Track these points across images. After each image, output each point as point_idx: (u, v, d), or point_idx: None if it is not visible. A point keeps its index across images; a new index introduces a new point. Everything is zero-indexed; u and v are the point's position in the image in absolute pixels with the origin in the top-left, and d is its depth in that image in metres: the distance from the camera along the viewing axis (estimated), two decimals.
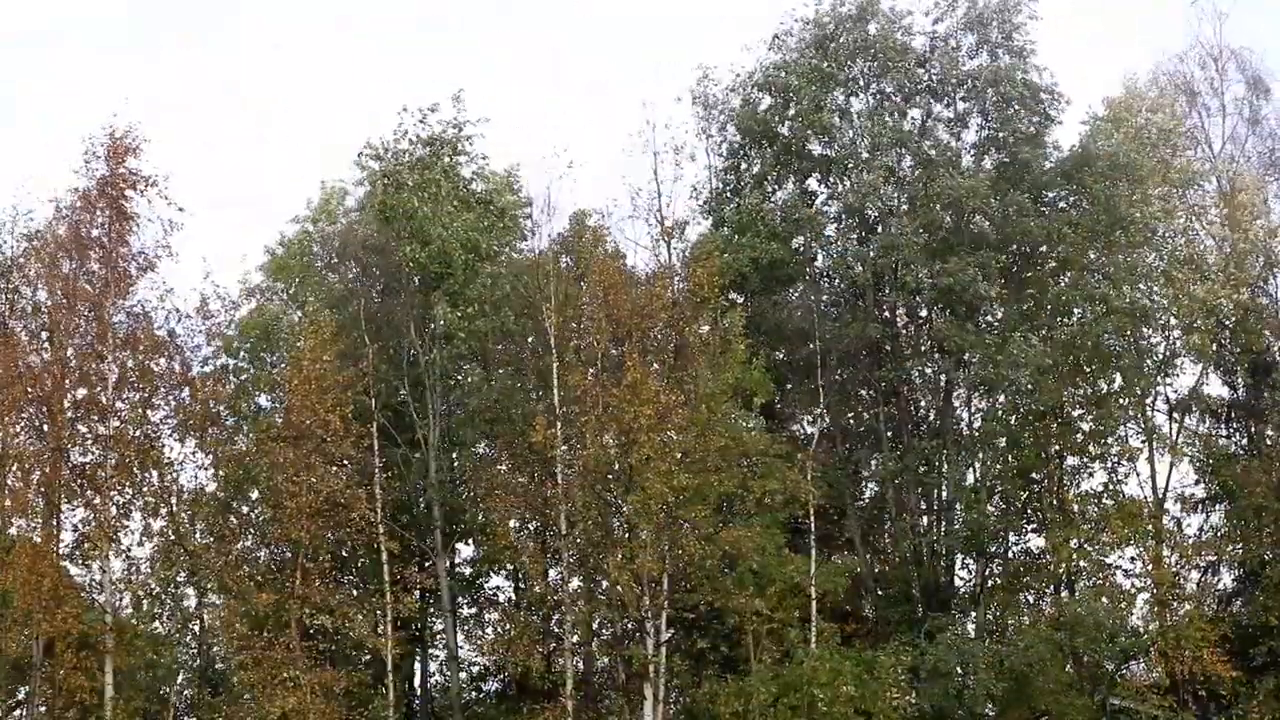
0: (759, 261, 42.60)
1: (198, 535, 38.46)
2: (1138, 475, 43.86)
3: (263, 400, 43.85)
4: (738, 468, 38.45)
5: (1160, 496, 43.98)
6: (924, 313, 44.77)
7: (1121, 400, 43.27)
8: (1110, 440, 43.20)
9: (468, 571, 45.33)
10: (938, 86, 44.68)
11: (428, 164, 43.53)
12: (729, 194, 45.62)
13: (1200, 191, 46.80)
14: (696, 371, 38.34)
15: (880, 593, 43.17)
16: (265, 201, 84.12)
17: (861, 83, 44.77)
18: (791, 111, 44.30)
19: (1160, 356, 44.47)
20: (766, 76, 45.03)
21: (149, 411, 37.72)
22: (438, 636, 44.15)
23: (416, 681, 44.78)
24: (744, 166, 45.76)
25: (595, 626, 39.62)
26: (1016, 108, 43.46)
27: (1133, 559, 42.69)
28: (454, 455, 43.70)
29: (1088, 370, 42.91)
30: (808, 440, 42.32)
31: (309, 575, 36.88)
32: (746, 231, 42.98)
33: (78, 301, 37.08)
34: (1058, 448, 43.37)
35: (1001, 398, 43.50)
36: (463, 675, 43.78)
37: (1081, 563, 42.03)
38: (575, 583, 39.00)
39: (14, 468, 36.36)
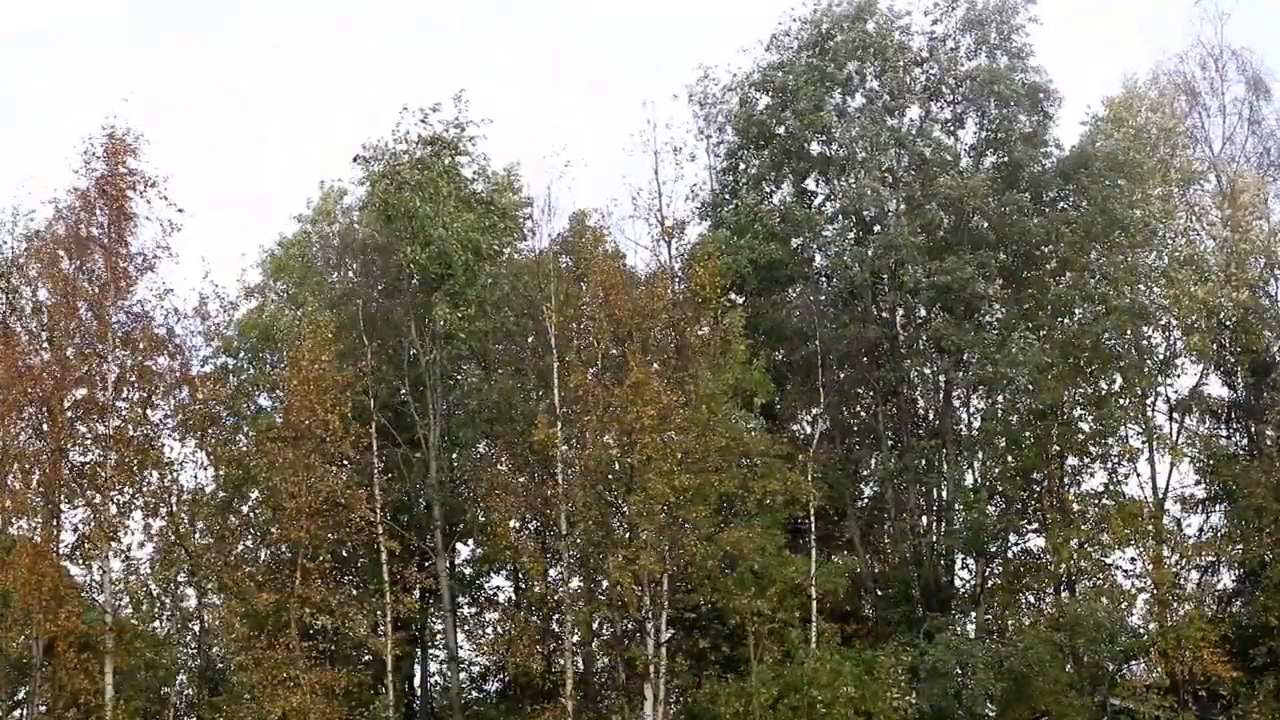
0: (757, 262, 42.59)
1: (198, 535, 38.46)
2: (1138, 475, 43.89)
3: (263, 400, 43.88)
4: (738, 468, 38.46)
5: (1160, 497, 43.95)
6: (922, 312, 44.76)
7: (1122, 400, 43.23)
8: (1110, 440, 43.18)
9: (468, 571, 45.36)
10: (936, 87, 44.73)
11: (428, 164, 43.49)
12: (727, 195, 45.64)
13: (1200, 191, 46.82)
14: (697, 372, 38.34)
15: (880, 593, 43.18)
16: (265, 201, 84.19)
17: (856, 81, 44.80)
18: (789, 112, 44.30)
19: (1160, 357, 44.46)
20: (764, 77, 45.07)
21: (149, 411, 37.73)
22: (438, 636, 44.18)
23: (416, 681, 44.82)
24: (741, 167, 45.78)
25: (595, 626, 39.61)
26: (1014, 108, 43.52)
27: (1133, 559, 42.69)
28: (454, 455, 43.69)
29: (1088, 370, 42.91)
30: (808, 440, 42.31)
31: (309, 575, 36.89)
32: (745, 233, 42.98)
33: (78, 301, 37.08)
34: (1058, 448, 43.37)
35: (1001, 397, 43.52)
36: (463, 675, 43.78)
37: (1081, 563, 42.01)
38: (575, 583, 39.00)
39: (14, 468, 36.34)
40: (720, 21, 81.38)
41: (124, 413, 37.01)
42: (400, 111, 43.88)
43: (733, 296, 42.81)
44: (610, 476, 37.70)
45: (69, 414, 36.49)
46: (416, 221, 42.03)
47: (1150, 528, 42.39)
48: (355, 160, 44.67)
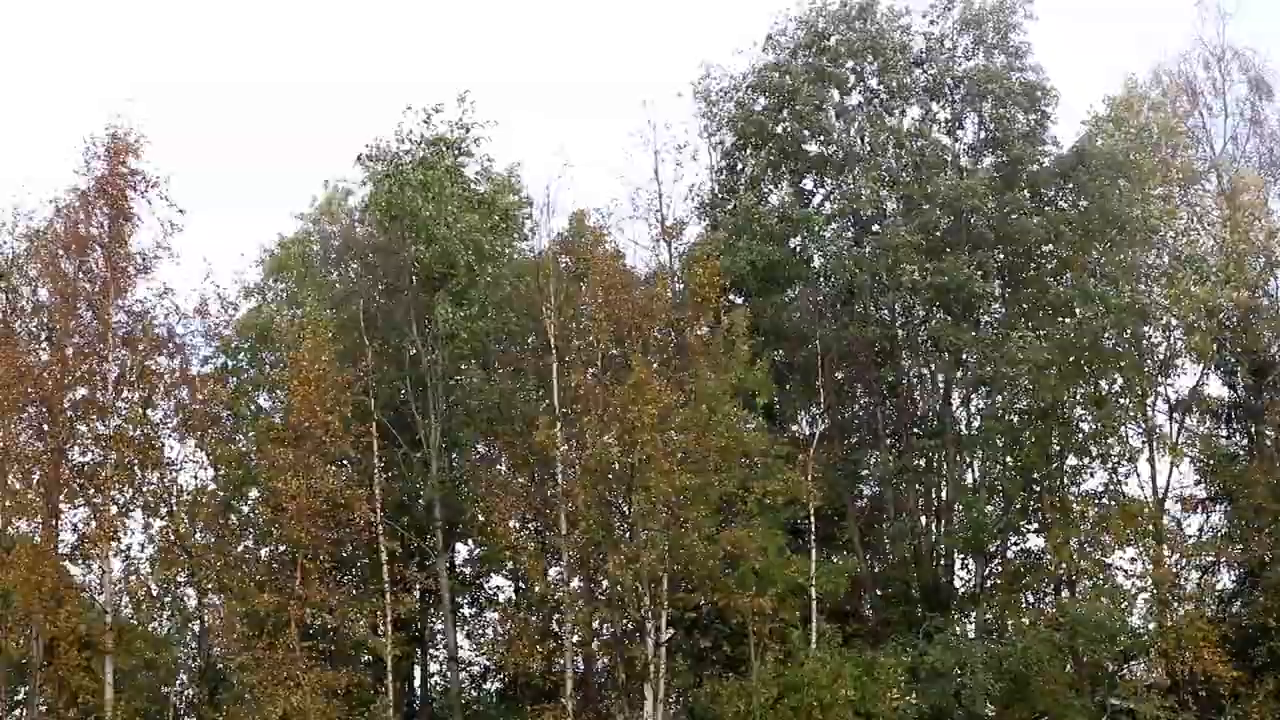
0: (755, 264, 42.61)
1: (198, 535, 38.47)
2: (1138, 475, 43.88)
3: (263, 400, 43.87)
4: (738, 468, 38.46)
5: (1160, 496, 43.93)
6: (921, 312, 44.77)
7: (1122, 400, 43.28)
8: (1110, 440, 43.20)
9: (468, 571, 45.37)
10: (935, 87, 44.76)
11: (432, 164, 43.51)
12: (724, 195, 45.64)
13: (1201, 191, 46.78)
14: (697, 371, 38.34)
15: (880, 593, 43.19)
16: (265, 201, 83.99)
17: (854, 80, 44.82)
18: (787, 112, 44.33)
19: (1160, 356, 44.46)
20: (760, 78, 45.07)
21: (149, 411, 37.75)
22: (438, 636, 44.17)
23: (416, 681, 44.81)
24: (739, 167, 45.79)
25: (595, 626, 39.60)
26: (1011, 107, 43.57)
27: (1133, 559, 42.71)
28: (454, 455, 43.69)
29: (1088, 370, 42.93)
30: (808, 440, 42.30)
31: (309, 575, 36.89)
32: (743, 234, 42.99)
33: (78, 301, 37.10)
34: (1058, 448, 43.37)
35: (1000, 397, 43.54)
36: (463, 675, 43.78)
37: (1081, 563, 42.02)
38: (575, 583, 39.01)
39: (14, 468, 36.36)
40: (720, 22, 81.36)
41: (124, 413, 37.03)
42: (404, 111, 43.95)
43: (732, 297, 42.80)
44: (610, 477, 37.69)
45: (69, 414, 36.51)
46: (420, 221, 42.05)
47: (1150, 528, 42.39)
48: (359, 159, 44.72)
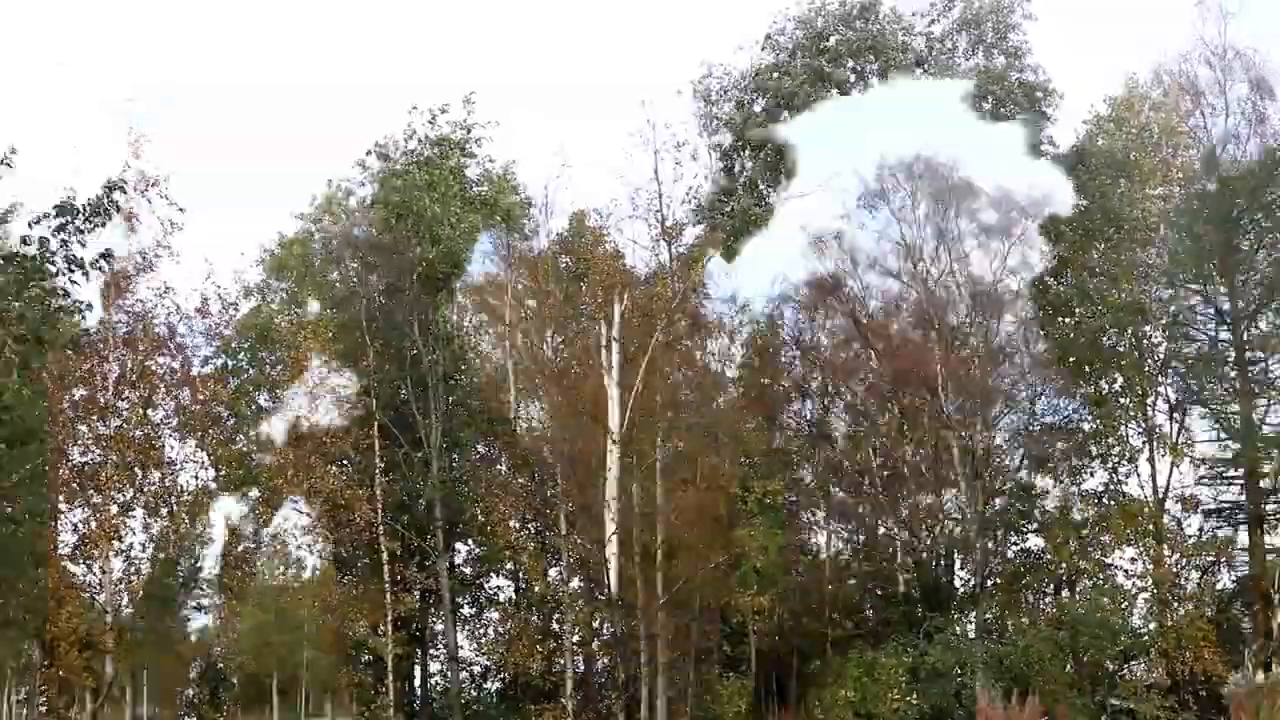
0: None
1: (198, 535, 38.48)
2: (1138, 475, 43.86)
3: (263, 400, 43.90)
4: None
5: (1160, 496, 43.92)
6: None
7: (1122, 400, 43.28)
8: (1110, 440, 43.21)
9: (468, 571, 45.40)
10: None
11: (436, 164, 43.58)
12: (722, 197, 45.65)
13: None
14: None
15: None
16: (265, 201, 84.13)
17: (853, 80, 44.83)
18: (786, 114, 44.37)
19: (1160, 356, 44.43)
20: (759, 80, 45.06)
21: (149, 411, 37.73)
22: (438, 636, 44.20)
23: (417, 681, 44.84)
24: (736, 169, 45.82)
25: (595, 626, 39.62)
26: (1011, 108, 43.64)
27: (1133, 559, 42.68)
28: (454, 455, 43.72)
29: (1088, 370, 42.94)
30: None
31: None
32: (740, 236, 43.04)
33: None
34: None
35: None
36: (463, 675, 43.80)
37: (1081, 563, 42.02)
38: (575, 583, 39.00)
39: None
40: (719, 21, 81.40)
41: (124, 413, 37.02)
42: (410, 111, 44.12)
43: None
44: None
45: (69, 414, 36.50)
46: (424, 221, 42.10)
47: (1150, 528, 42.37)
48: (367, 155, 44.84)
